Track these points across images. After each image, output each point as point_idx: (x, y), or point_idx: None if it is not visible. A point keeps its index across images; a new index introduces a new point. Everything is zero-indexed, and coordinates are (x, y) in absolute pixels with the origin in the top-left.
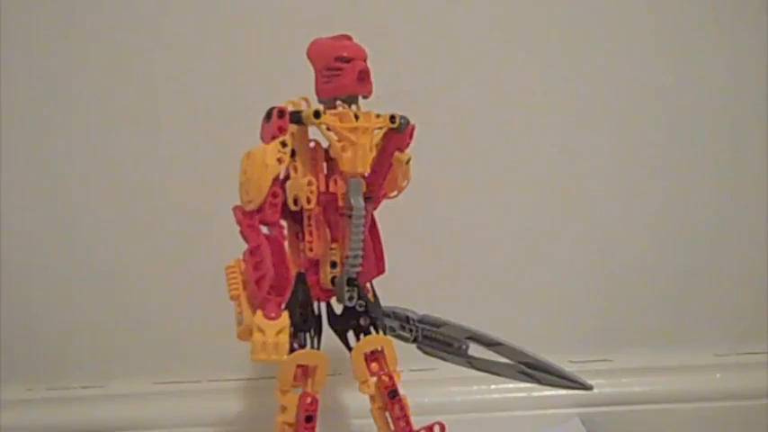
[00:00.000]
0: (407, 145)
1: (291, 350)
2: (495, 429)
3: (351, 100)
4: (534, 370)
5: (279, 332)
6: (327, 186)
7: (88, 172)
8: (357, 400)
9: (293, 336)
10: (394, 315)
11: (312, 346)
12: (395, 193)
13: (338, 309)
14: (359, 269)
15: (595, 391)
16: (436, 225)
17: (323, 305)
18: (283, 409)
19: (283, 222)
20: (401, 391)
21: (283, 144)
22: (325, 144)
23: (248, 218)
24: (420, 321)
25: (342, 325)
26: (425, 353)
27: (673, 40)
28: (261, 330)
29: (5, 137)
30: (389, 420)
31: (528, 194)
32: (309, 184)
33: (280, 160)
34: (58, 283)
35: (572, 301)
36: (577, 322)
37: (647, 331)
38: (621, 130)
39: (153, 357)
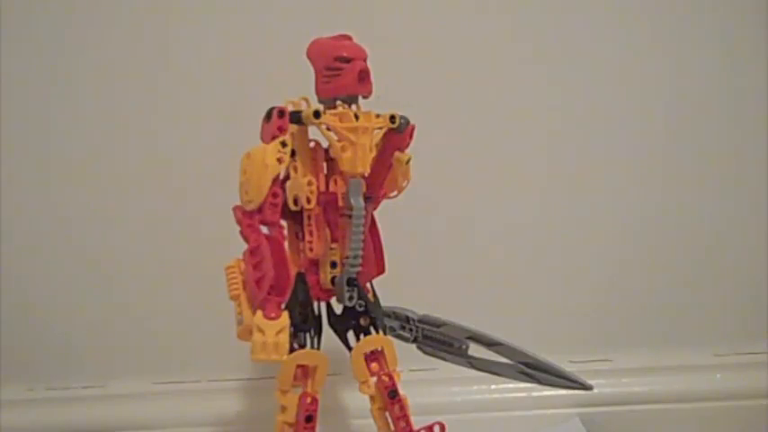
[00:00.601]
0: (407, 145)
1: (291, 350)
2: (495, 429)
3: (351, 100)
4: (534, 370)
5: (279, 332)
6: (327, 186)
7: (88, 172)
8: (357, 400)
9: (293, 336)
10: (394, 315)
11: (312, 346)
12: (395, 193)
13: (338, 309)
14: (359, 269)
15: (595, 391)
16: (436, 225)
17: (323, 305)
18: (283, 409)
19: (283, 222)
20: (401, 391)
21: (283, 144)
22: (325, 144)
23: (248, 218)
24: (420, 321)
25: (342, 325)
26: (425, 353)
27: (673, 40)
28: (261, 330)
29: (5, 136)
30: (389, 420)
31: (528, 195)
32: (309, 184)
33: (280, 160)
34: (58, 283)
35: (572, 301)
36: (577, 322)
37: (647, 331)
38: (622, 130)
39: (153, 357)
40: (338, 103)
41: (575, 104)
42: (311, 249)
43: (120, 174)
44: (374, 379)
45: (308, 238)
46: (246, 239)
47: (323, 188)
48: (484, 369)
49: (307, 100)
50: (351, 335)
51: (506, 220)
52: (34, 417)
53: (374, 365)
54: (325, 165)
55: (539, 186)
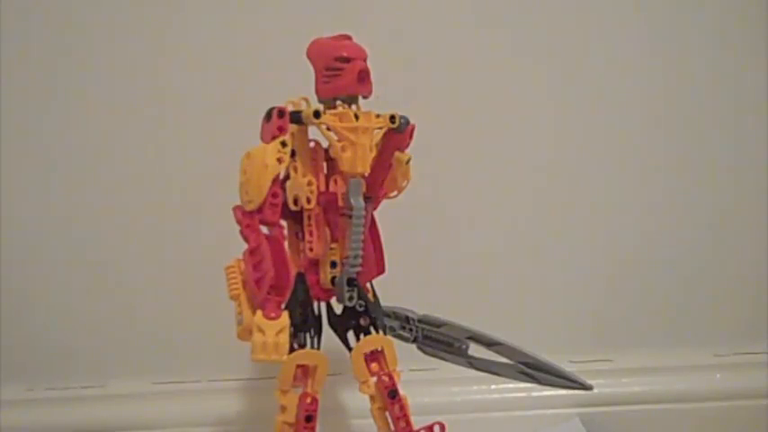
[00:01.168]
0: (407, 145)
1: (291, 350)
2: (495, 429)
3: (351, 100)
4: (534, 370)
5: (279, 332)
6: (327, 186)
7: (88, 172)
8: (357, 400)
9: (293, 336)
10: (394, 315)
11: (312, 346)
12: (395, 193)
13: (338, 309)
14: (359, 269)
15: (595, 391)
16: (436, 225)
17: (323, 305)
18: (283, 408)
19: (283, 222)
20: (401, 391)
21: (283, 144)
22: (325, 144)
23: (248, 218)
24: (420, 321)
25: (342, 325)
26: (425, 353)
27: (673, 39)
28: (261, 330)
29: (5, 136)
30: (389, 420)
31: (528, 194)
32: (309, 184)
33: (280, 160)
34: (58, 283)
35: (572, 301)
36: (577, 322)
37: (647, 331)
38: (622, 129)
39: (153, 357)
40: (338, 103)
41: (575, 104)
42: (311, 249)
43: (120, 174)
44: (374, 379)
45: (308, 238)
46: (246, 239)
47: (323, 188)
48: (484, 369)
49: (307, 100)
50: (351, 335)
51: (506, 219)
52: (34, 417)
53: (374, 365)
54: (325, 165)
55: (539, 186)
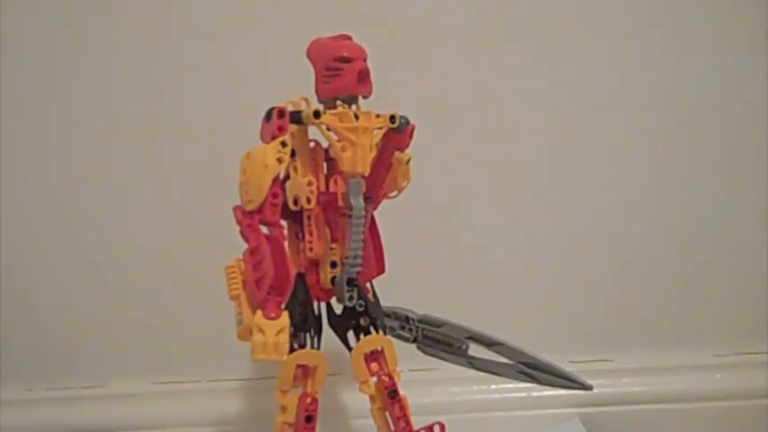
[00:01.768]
0: (407, 145)
1: (291, 350)
2: (495, 429)
3: (351, 100)
4: (534, 370)
5: (279, 332)
6: (327, 186)
7: (88, 172)
8: (357, 400)
9: (293, 336)
10: (394, 315)
11: (312, 346)
12: (395, 193)
13: (338, 309)
14: (359, 269)
15: (595, 391)
16: (436, 225)
17: (323, 305)
18: (283, 409)
19: (283, 222)
20: (401, 391)
21: (283, 144)
22: (325, 144)
23: (248, 218)
24: (420, 321)
25: (342, 325)
26: (425, 353)
27: (673, 40)
28: (261, 330)
29: (5, 137)
30: (389, 420)
31: (528, 194)
32: (309, 184)
33: (280, 160)
34: (58, 283)
35: (572, 300)
36: (577, 322)
37: (647, 331)
38: (622, 130)
39: (153, 357)
40: (338, 103)
41: (575, 105)
42: (311, 249)
43: (120, 174)
44: (374, 379)
45: (308, 238)
46: (246, 239)
47: (323, 188)
48: (484, 369)
49: (307, 100)
50: (351, 335)
51: (506, 219)
52: (34, 417)
53: (374, 365)
54: (325, 165)
55: (539, 186)
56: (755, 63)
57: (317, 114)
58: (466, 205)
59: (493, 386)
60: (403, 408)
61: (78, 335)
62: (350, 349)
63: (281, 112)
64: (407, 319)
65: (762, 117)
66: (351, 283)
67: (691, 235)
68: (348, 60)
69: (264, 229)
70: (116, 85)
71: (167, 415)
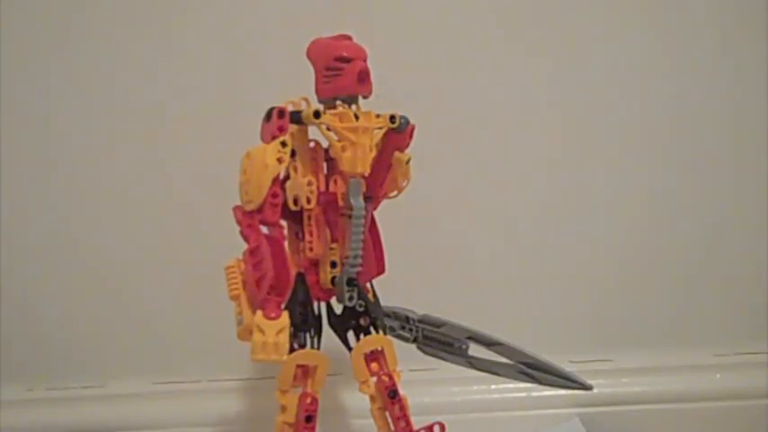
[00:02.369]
0: (407, 145)
1: (291, 350)
2: (495, 429)
3: (351, 100)
4: (534, 370)
5: (279, 332)
6: (327, 186)
7: (88, 172)
8: (357, 400)
9: (293, 336)
10: (394, 315)
11: (312, 346)
12: (395, 193)
13: (338, 309)
14: (359, 269)
15: (595, 391)
16: (436, 225)
17: (323, 305)
18: (283, 409)
19: (283, 222)
20: (401, 391)
21: (283, 144)
22: (325, 144)
23: (248, 218)
24: (420, 321)
25: (342, 325)
26: (425, 353)
27: (673, 41)
28: (261, 330)
29: (5, 137)
30: (389, 420)
31: (528, 194)
32: (309, 184)
33: (280, 160)
34: (58, 284)
35: (572, 301)
36: (577, 322)
37: (647, 331)
38: (621, 130)
39: (153, 357)
40: (338, 103)
41: (575, 105)
42: (311, 249)
43: (120, 174)
44: (374, 379)
45: (308, 238)
46: (246, 239)
47: (323, 188)
48: (484, 369)
49: (307, 100)
50: (351, 335)
51: (506, 219)
52: (34, 417)
53: (374, 365)
54: (325, 165)
55: (539, 186)
56: (756, 63)
57: (317, 114)
58: (466, 205)
59: (493, 386)
60: (403, 408)
61: (78, 335)
62: (350, 349)
63: (281, 112)
64: (407, 319)
65: (762, 117)
66: (351, 283)
67: (690, 235)
68: (348, 60)
69: (264, 229)
70: (116, 85)
71: (167, 415)
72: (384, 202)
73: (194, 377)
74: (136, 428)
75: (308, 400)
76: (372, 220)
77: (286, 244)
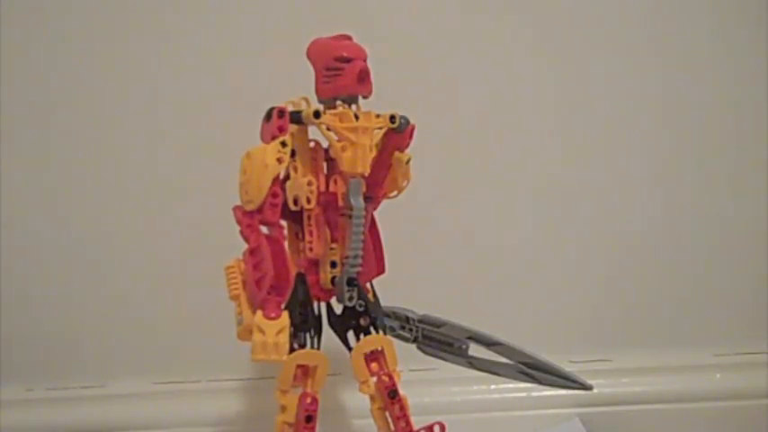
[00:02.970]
0: (407, 145)
1: (291, 350)
2: (495, 429)
3: (351, 100)
4: (534, 370)
5: (279, 332)
6: (327, 186)
7: (88, 172)
8: (357, 400)
9: (293, 336)
10: (394, 315)
11: (312, 346)
12: (395, 193)
13: (338, 309)
14: (359, 269)
15: (595, 391)
16: (436, 225)
17: (323, 305)
18: (283, 408)
19: (283, 222)
20: (401, 391)
21: (283, 144)
22: (325, 144)
23: (248, 218)
24: (420, 321)
25: (342, 325)
26: (425, 353)
27: (673, 41)
28: (261, 330)
29: (5, 137)
30: (389, 420)
31: (528, 195)
32: (309, 184)
33: (280, 160)
34: (58, 283)
35: (572, 301)
36: (577, 322)
37: (647, 331)
38: (621, 130)
39: (153, 357)
40: (338, 103)
41: (575, 105)
42: (311, 249)
43: (120, 174)
44: (374, 379)
45: (308, 238)
46: (246, 239)
47: (323, 188)
48: (484, 369)
49: (307, 100)
50: (351, 335)
51: (506, 219)
52: (34, 417)
53: (374, 365)
54: (325, 165)
55: (539, 186)
56: (756, 63)
57: (317, 114)
58: (466, 205)
59: (493, 386)
60: (403, 408)
61: (78, 335)
62: (350, 349)
63: (281, 112)
64: (407, 319)
65: (762, 117)
66: (351, 283)
67: (691, 235)
68: (348, 60)
69: (264, 229)
70: (116, 85)
71: (167, 415)
72: (384, 202)
73: (194, 377)
74: (136, 428)
75: (308, 400)
76: (372, 220)
77: (286, 244)
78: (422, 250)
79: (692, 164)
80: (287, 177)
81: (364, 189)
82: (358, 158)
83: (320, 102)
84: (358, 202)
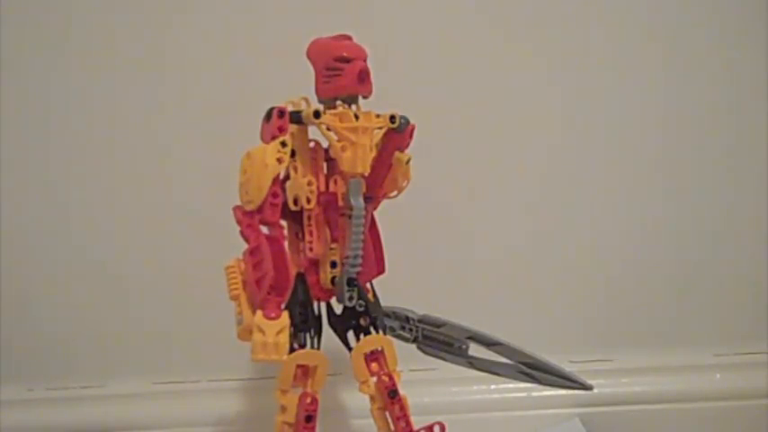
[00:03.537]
0: (407, 145)
1: (291, 350)
2: (495, 429)
3: (351, 100)
4: (534, 370)
5: (279, 332)
6: (327, 186)
7: (88, 172)
8: (357, 400)
9: (293, 336)
10: (394, 315)
11: (312, 346)
12: (395, 193)
13: (338, 309)
14: (359, 269)
15: (595, 391)
16: (436, 225)
17: (323, 305)
18: (283, 409)
19: (283, 222)
20: (401, 391)
21: (283, 144)
22: (325, 144)
23: (248, 218)
24: (420, 321)
25: (342, 325)
26: (425, 353)
27: (673, 42)
28: (261, 330)
29: (5, 137)
30: (389, 420)
31: (528, 194)
32: (309, 184)
33: (280, 160)
34: (58, 284)
35: (572, 301)
36: (577, 322)
37: (647, 331)
38: (621, 130)
39: (153, 357)
40: (338, 103)
41: (575, 105)
42: (311, 249)
43: (120, 174)
44: (374, 379)
45: (308, 238)
46: (246, 239)
47: (323, 188)
48: (484, 369)
49: (307, 100)
50: (351, 335)
51: (506, 219)
52: (34, 417)
53: (374, 365)
54: (325, 165)
55: (539, 186)
56: (756, 63)
57: (317, 114)
58: (466, 205)
59: (493, 386)
60: (403, 408)
61: (78, 335)
62: (350, 349)
63: (281, 112)
64: (407, 319)
65: (762, 117)
66: (351, 283)
67: (691, 235)
68: (348, 60)
69: (264, 229)
70: (116, 85)
71: (167, 415)
72: (384, 202)
73: (194, 377)
74: (136, 428)
75: (308, 400)
76: (372, 220)
77: (286, 244)
78: (422, 250)
79: (691, 164)
80: (287, 177)
81: (364, 189)
82: (358, 158)
83: (320, 102)
84: (358, 202)
